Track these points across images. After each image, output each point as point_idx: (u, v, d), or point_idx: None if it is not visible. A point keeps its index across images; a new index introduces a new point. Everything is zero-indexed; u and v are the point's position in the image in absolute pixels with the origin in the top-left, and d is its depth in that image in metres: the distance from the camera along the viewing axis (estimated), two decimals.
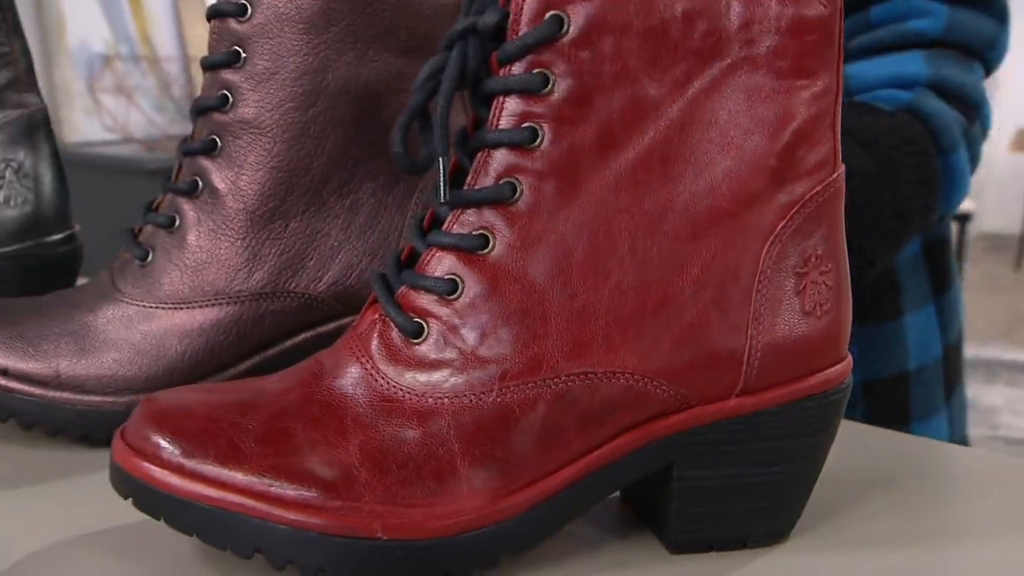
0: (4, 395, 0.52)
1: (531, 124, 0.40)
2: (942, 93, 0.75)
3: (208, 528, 0.37)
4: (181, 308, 0.54)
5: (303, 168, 0.55)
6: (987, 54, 0.78)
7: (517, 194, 0.40)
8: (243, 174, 0.54)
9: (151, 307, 0.54)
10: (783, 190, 0.41)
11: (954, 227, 4.57)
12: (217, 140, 0.55)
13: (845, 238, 0.43)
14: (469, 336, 0.39)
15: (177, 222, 0.55)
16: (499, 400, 0.39)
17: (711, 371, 0.40)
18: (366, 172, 0.56)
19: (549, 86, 0.39)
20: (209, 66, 0.55)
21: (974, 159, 0.77)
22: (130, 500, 0.39)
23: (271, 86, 0.54)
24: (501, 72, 0.40)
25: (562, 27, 0.39)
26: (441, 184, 0.40)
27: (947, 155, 0.73)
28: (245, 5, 0.53)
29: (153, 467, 0.38)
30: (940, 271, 0.87)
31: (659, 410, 0.40)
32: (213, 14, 0.54)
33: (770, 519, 0.43)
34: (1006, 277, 4.39)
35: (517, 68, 0.40)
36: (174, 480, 0.37)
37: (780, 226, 0.41)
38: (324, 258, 0.56)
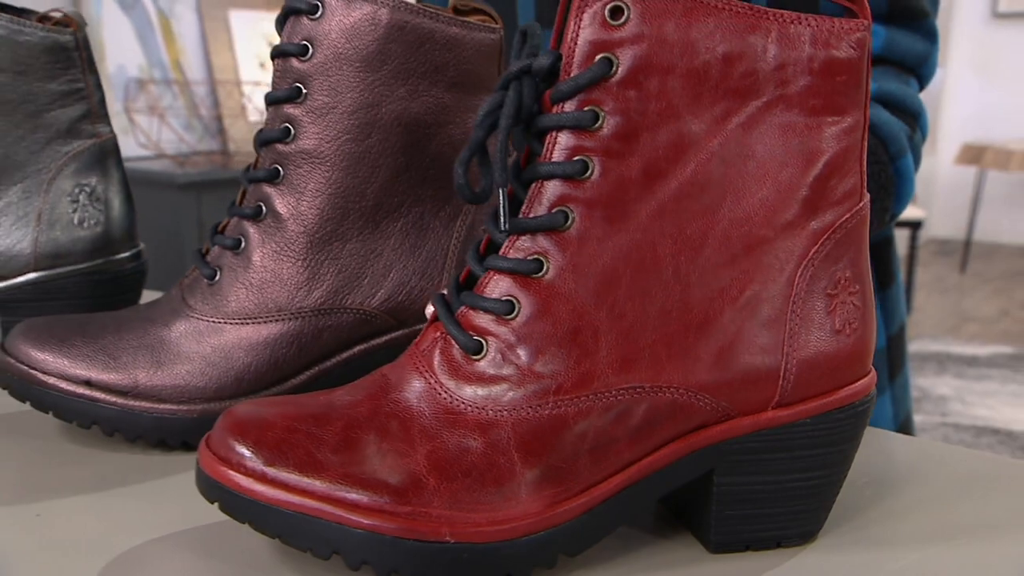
0: (88, 404, 0.55)
1: (582, 157, 0.41)
2: (887, 105, 0.78)
3: (290, 531, 0.39)
4: (247, 323, 0.56)
5: (358, 194, 0.57)
6: (920, 70, 0.82)
7: (569, 222, 0.42)
8: (304, 200, 0.57)
9: (219, 322, 0.56)
10: (815, 218, 0.42)
11: (906, 233, 4.65)
12: (280, 169, 0.57)
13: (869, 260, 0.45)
14: (525, 353, 0.41)
15: (243, 244, 0.57)
16: (554, 413, 0.41)
17: (750, 386, 0.42)
18: (415, 197, 0.58)
19: (599, 122, 0.41)
20: (272, 101, 0.57)
21: (917, 162, 0.81)
22: (216, 504, 0.40)
23: (330, 119, 0.56)
24: (554, 109, 0.42)
25: (611, 68, 0.41)
26: (502, 213, 0.41)
27: (897, 161, 0.76)
28: (307, 45, 0.56)
29: (238, 475, 0.39)
30: (884, 268, 0.90)
31: (702, 421, 0.42)
32: (277, 53, 0.56)
33: (802, 521, 0.44)
34: (952, 279, 4.56)
35: (569, 106, 0.42)
36: (258, 487, 0.39)
37: (813, 251, 0.42)
38: (377, 277, 0.58)
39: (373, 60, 0.56)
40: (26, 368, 0.56)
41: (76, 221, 0.72)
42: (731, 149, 0.42)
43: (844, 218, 0.43)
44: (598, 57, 0.41)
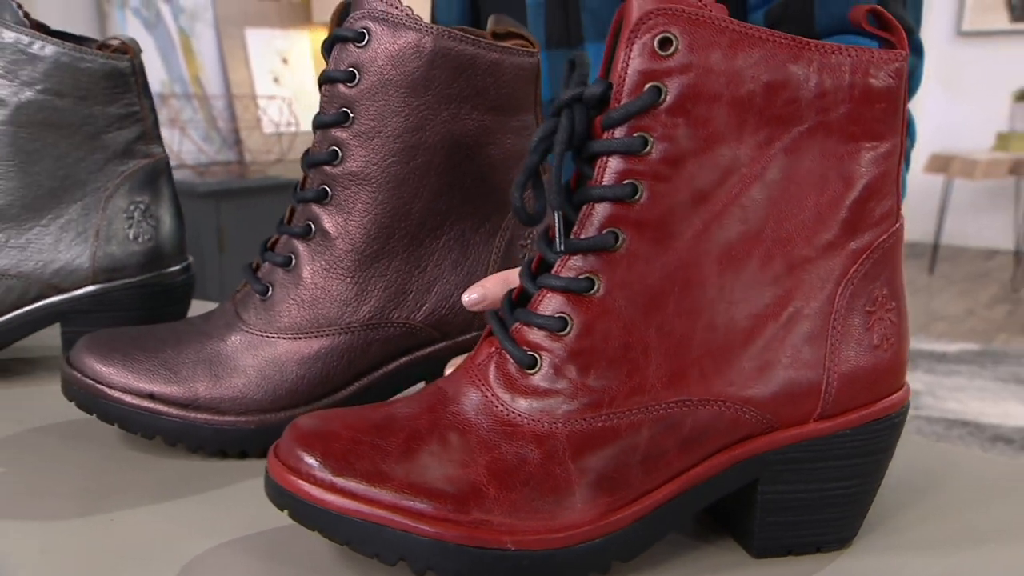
0: (151, 417, 0.56)
1: (631, 181, 0.42)
2: None
3: (358, 539, 0.40)
4: (299, 338, 0.58)
5: (403, 213, 0.58)
6: (908, 82, 0.82)
7: (619, 242, 0.43)
8: (351, 219, 0.58)
9: (273, 337, 0.58)
10: (854, 238, 0.43)
11: None
12: (328, 190, 0.58)
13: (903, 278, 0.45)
14: (578, 367, 0.42)
15: (293, 261, 0.59)
16: (607, 425, 0.42)
17: (793, 399, 0.43)
18: (457, 215, 0.60)
19: (648, 147, 0.42)
20: (320, 125, 0.58)
21: (907, 166, 0.81)
22: (286, 512, 0.42)
23: (376, 143, 0.57)
24: (604, 135, 0.43)
25: (659, 96, 0.42)
26: (558, 234, 0.42)
27: None
28: (354, 72, 0.57)
29: (308, 485, 0.41)
30: None
31: (748, 433, 0.43)
32: (325, 80, 0.58)
33: (841, 527, 0.45)
34: (922, 280, 4.76)
35: (619, 132, 0.43)
36: (328, 497, 0.40)
37: (852, 270, 0.43)
38: (422, 291, 0.59)
39: (418, 86, 0.57)
40: (92, 382, 0.57)
41: (131, 236, 0.73)
42: (774, 173, 0.43)
43: (881, 239, 0.44)
44: (647, 86, 0.42)
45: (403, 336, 0.60)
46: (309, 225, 0.59)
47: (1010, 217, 5.51)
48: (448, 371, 0.58)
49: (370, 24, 0.56)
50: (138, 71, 0.72)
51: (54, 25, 2.18)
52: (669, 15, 0.42)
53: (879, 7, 0.43)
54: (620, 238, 0.43)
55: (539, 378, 0.43)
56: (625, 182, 0.43)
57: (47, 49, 0.68)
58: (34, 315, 0.72)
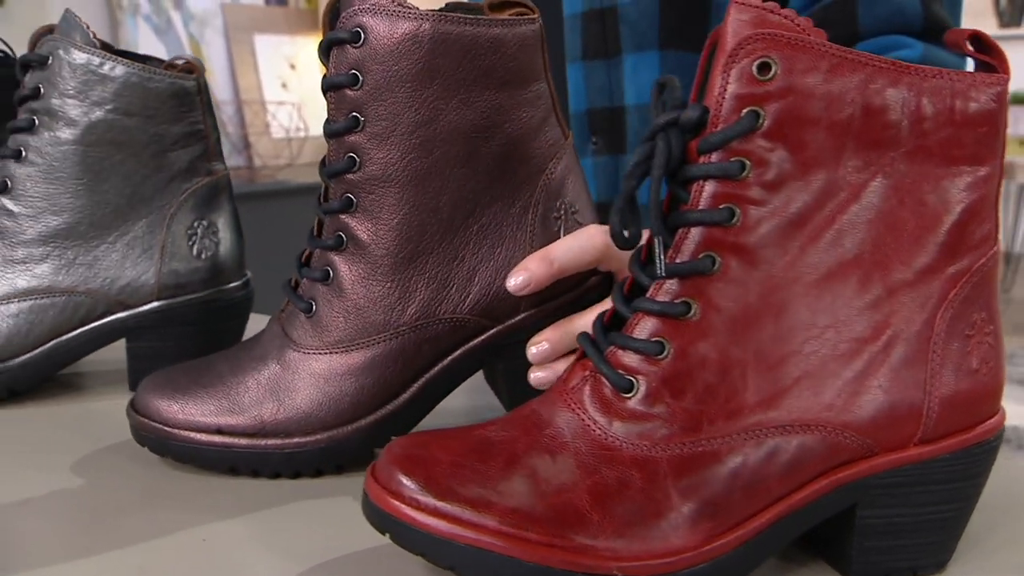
0: (223, 451, 0.56)
1: (728, 205, 0.42)
2: None
3: (464, 563, 0.40)
4: (352, 349, 0.57)
5: (432, 208, 0.57)
6: None
7: (716, 266, 0.42)
8: (381, 223, 0.57)
9: (325, 352, 0.57)
10: (953, 263, 0.43)
11: None
12: (352, 198, 0.57)
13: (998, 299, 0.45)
14: (675, 391, 0.42)
15: (331, 275, 0.58)
16: (707, 450, 0.41)
17: (894, 424, 0.42)
18: (486, 199, 0.58)
19: (745, 172, 0.42)
20: (332, 133, 0.56)
21: None
22: (388, 535, 0.41)
23: (392, 142, 0.55)
24: (700, 159, 0.42)
25: (758, 121, 0.41)
26: (659, 259, 0.42)
27: None
28: (356, 75, 0.55)
29: (412, 510, 0.40)
30: None
31: (848, 458, 0.42)
32: (328, 87, 0.55)
33: (937, 550, 0.45)
34: None
35: (716, 156, 0.42)
36: (432, 521, 0.40)
37: (952, 294, 0.43)
38: (464, 282, 0.58)
39: (423, 77, 0.55)
40: (160, 425, 0.57)
41: (194, 253, 0.73)
42: (872, 197, 0.42)
43: (980, 262, 0.43)
44: (745, 110, 0.42)
45: (453, 330, 0.59)
46: (340, 236, 0.57)
47: (1002, 218, 5.49)
48: (533, 375, 0.58)
49: (363, 20, 0.54)
50: (203, 90, 0.72)
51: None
52: (768, 40, 0.41)
53: (980, 32, 0.43)
54: (717, 262, 0.42)
55: (636, 402, 0.42)
56: (722, 206, 0.42)
57: (117, 69, 0.68)
58: (101, 331, 0.72)
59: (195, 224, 0.73)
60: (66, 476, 0.57)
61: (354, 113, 0.55)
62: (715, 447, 0.41)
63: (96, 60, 0.68)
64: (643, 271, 0.44)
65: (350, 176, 0.56)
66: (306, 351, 0.57)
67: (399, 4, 0.54)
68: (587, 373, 0.44)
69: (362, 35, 0.54)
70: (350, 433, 0.57)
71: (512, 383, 0.61)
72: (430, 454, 0.42)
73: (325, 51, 0.56)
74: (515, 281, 0.57)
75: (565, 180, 0.61)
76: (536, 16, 0.58)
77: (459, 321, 0.59)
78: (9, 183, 0.70)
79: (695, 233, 0.43)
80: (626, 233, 0.43)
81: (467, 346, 0.60)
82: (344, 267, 0.57)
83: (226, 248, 0.75)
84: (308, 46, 2.94)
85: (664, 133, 0.43)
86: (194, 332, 0.74)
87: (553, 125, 0.60)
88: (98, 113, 0.68)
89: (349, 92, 0.55)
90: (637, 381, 0.43)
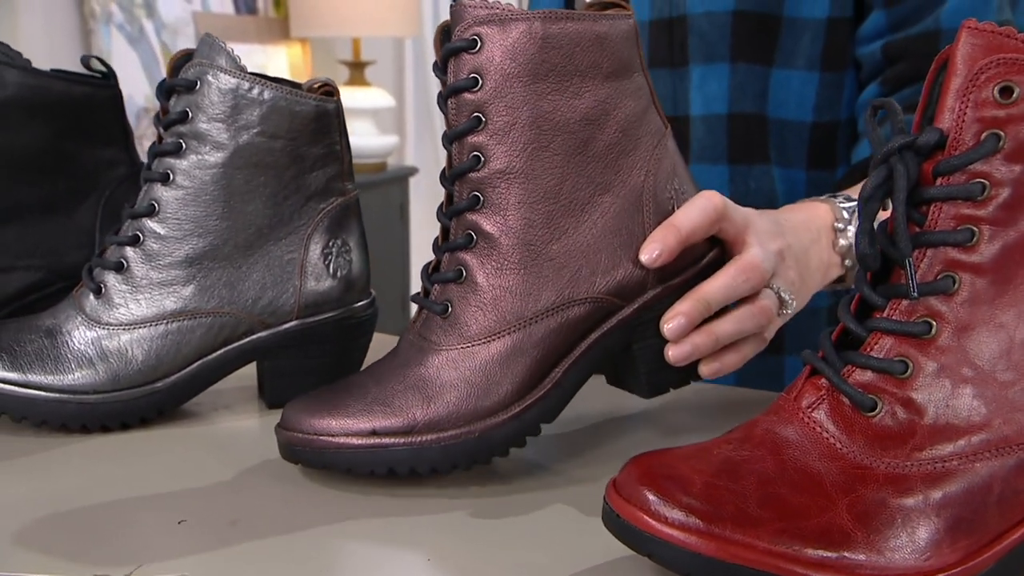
0: (380, 452, 0.55)
1: (968, 226, 0.41)
2: None
3: None
4: (493, 340, 0.57)
5: (554, 195, 0.57)
6: None
7: (956, 286, 0.41)
8: (509, 215, 0.57)
9: (467, 347, 0.57)
10: None
11: None
12: (479, 195, 0.57)
13: None
14: (919, 409, 0.41)
15: (464, 273, 0.58)
16: (959, 467, 0.40)
17: None
18: (601, 184, 0.59)
19: (986, 193, 0.41)
20: (455, 136, 0.57)
21: None
22: (648, 556, 0.40)
23: (513, 136, 0.56)
24: (938, 182, 0.42)
25: (999, 143, 0.41)
26: (910, 280, 0.41)
27: None
28: (476, 77, 0.56)
29: (681, 533, 0.39)
30: None
31: None
32: (449, 93, 0.57)
33: None
34: None
35: (956, 178, 0.41)
36: (694, 540, 0.39)
37: None
38: (592, 264, 0.58)
39: (538, 71, 0.56)
40: (314, 436, 0.56)
41: (330, 272, 0.72)
42: None
43: None
44: (985, 133, 0.41)
45: (589, 312, 0.58)
46: (470, 234, 0.58)
47: None
48: (672, 352, 0.57)
49: (479, 29, 0.56)
50: (340, 111, 0.71)
51: (38, 42, 2.09)
52: (1010, 64, 0.41)
53: None
54: (957, 282, 0.42)
55: (880, 420, 0.42)
56: (961, 227, 0.42)
57: (266, 93, 0.66)
58: (243, 350, 0.70)
59: (330, 243, 0.72)
60: (223, 496, 0.56)
61: (476, 113, 0.56)
62: (966, 464, 0.41)
63: (245, 84, 0.66)
64: (874, 291, 0.44)
65: (474, 175, 0.57)
66: (448, 349, 0.57)
67: (509, 8, 0.55)
68: (823, 392, 0.43)
69: (478, 42, 0.56)
70: (503, 422, 0.56)
71: (650, 363, 0.61)
72: (680, 474, 0.42)
73: (443, 62, 0.57)
74: (648, 254, 0.57)
75: (671, 164, 0.62)
76: (631, 12, 0.59)
77: (593, 301, 0.58)
78: (157, 206, 0.68)
79: (934, 254, 0.42)
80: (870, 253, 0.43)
81: (602, 328, 0.59)
82: (476, 263, 0.57)
83: (357, 267, 0.74)
84: (277, 55, 2.89)
85: (900, 156, 0.43)
86: (327, 351, 0.73)
87: (653, 114, 0.61)
88: (245, 136, 0.67)
89: (469, 95, 0.56)
90: (880, 399, 0.42)
